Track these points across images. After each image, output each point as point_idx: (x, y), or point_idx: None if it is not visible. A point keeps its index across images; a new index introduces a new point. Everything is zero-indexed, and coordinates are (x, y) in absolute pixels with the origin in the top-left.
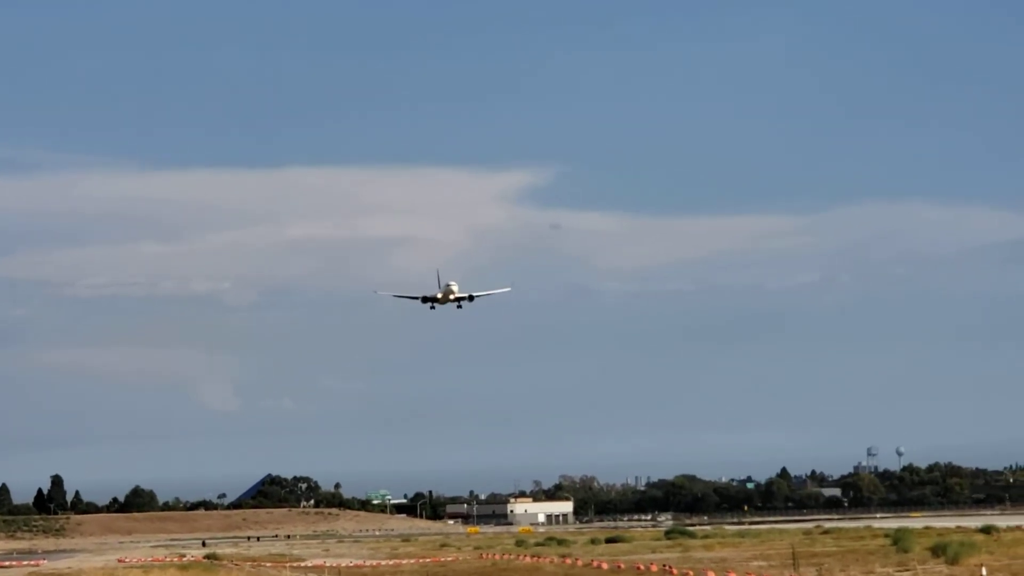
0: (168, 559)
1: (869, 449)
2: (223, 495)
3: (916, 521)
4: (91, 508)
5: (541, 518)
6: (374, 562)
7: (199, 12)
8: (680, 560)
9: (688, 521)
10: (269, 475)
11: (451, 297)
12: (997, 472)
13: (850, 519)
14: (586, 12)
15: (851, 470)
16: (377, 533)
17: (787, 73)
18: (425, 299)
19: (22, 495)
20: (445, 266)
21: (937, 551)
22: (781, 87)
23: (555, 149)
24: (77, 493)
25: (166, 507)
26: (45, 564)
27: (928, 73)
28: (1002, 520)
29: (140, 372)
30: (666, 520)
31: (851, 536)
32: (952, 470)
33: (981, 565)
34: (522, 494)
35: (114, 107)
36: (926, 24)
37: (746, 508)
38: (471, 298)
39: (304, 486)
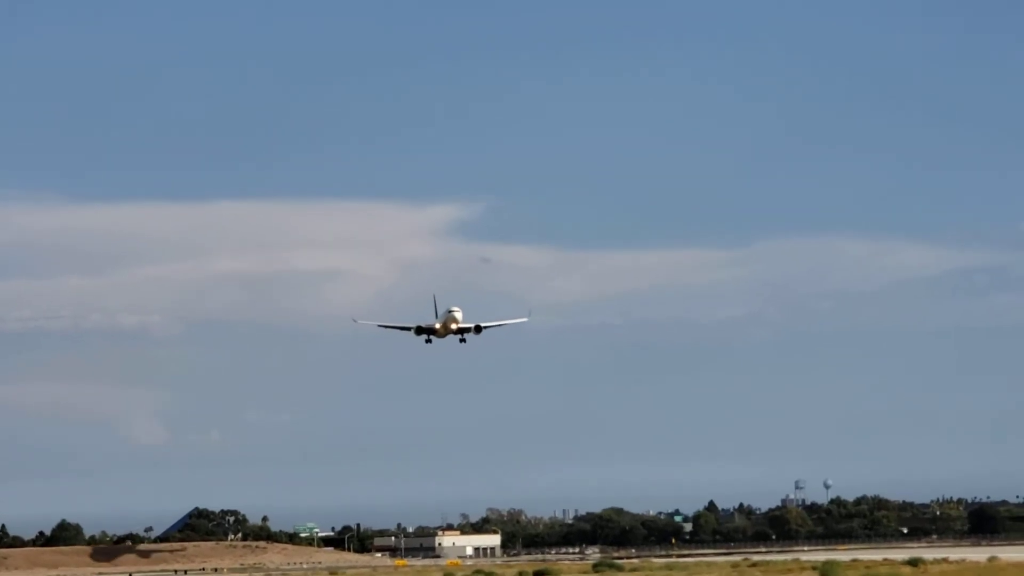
0: None
1: (797, 482)
2: (150, 528)
3: (844, 554)
4: (17, 542)
5: (469, 551)
6: None
7: (124, 47)
8: None
9: (616, 554)
10: (196, 508)
11: (453, 328)
12: (924, 505)
13: (778, 552)
14: (512, 46)
15: (779, 503)
16: (305, 566)
17: (713, 108)
18: (420, 330)
19: None
20: (373, 300)
21: None
22: (707, 122)
23: (483, 183)
24: (3, 527)
25: (93, 540)
26: None
27: (850, 107)
28: (929, 552)
29: (66, 405)
30: (594, 553)
31: (779, 569)
32: (879, 503)
33: None
34: (450, 527)
35: (39, 139)
36: (848, 59)
37: (674, 541)
38: (479, 329)
39: (231, 519)
